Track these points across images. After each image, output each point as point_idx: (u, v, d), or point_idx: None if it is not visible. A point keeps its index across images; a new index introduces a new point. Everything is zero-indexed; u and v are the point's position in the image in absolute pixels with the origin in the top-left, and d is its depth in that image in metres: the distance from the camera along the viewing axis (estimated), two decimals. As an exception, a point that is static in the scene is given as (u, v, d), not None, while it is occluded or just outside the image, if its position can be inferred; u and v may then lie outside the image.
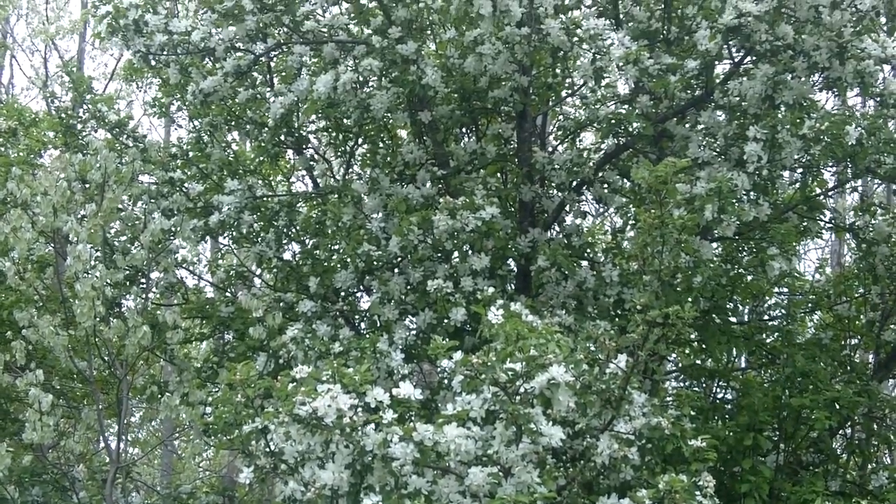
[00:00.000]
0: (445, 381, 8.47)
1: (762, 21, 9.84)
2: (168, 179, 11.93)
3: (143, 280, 12.08)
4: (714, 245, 10.81)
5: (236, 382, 7.84)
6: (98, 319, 10.82)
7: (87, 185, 11.50)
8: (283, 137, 12.04)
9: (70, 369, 12.94)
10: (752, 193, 10.18)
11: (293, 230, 12.07)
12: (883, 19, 10.05)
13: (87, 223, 10.99)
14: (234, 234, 12.12)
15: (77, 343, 11.72)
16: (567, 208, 11.80)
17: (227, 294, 12.97)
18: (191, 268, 13.26)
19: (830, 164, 11.17)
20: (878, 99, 10.78)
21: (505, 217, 10.82)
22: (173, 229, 11.79)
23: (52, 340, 10.94)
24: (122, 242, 12.03)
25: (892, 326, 12.22)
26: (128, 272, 11.70)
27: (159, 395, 11.82)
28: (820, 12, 9.73)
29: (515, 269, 11.34)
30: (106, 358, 11.83)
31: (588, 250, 11.74)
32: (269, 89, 12.17)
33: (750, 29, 9.89)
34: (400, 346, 9.96)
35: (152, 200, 11.89)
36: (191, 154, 12.79)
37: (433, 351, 7.60)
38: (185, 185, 12.05)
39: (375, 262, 10.54)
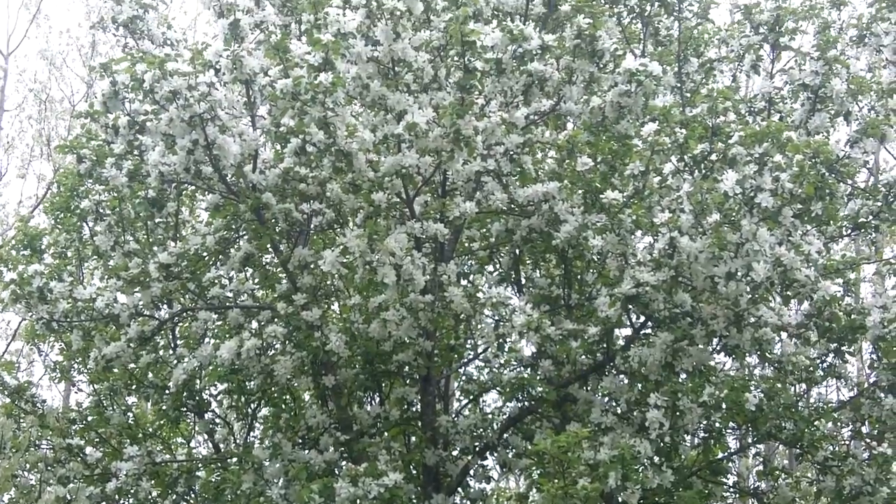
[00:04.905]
0: None
1: (659, 290, 10.05)
2: (66, 446, 11.72)
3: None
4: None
5: None
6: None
7: (-18, 454, 11.28)
8: (184, 401, 11.91)
9: None
10: (655, 458, 10.20)
11: (192, 496, 11.83)
12: (778, 287, 10.27)
13: (-21, 492, 10.72)
14: (132, 500, 11.83)
15: None
16: (471, 472, 11.71)
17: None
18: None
19: (732, 428, 11.26)
20: (777, 365, 10.98)
21: (408, 482, 10.71)
22: (69, 497, 11.48)
23: None
24: (16, 510, 11.73)
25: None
26: (21, 542, 11.38)
27: None
28: (716, 282, 9.95)
29: (420, 534, 11.17)
30: None
31: (493, 515, 11.63)
32: (171, 352, 12.11)
33: (648, 297, 10.09)
34: None
35: (49, 468, 11.63)
36: (90, 419, 12.58)
37: None
38: (84, 450, 11.83)
39: (276, 530, 10.33)
